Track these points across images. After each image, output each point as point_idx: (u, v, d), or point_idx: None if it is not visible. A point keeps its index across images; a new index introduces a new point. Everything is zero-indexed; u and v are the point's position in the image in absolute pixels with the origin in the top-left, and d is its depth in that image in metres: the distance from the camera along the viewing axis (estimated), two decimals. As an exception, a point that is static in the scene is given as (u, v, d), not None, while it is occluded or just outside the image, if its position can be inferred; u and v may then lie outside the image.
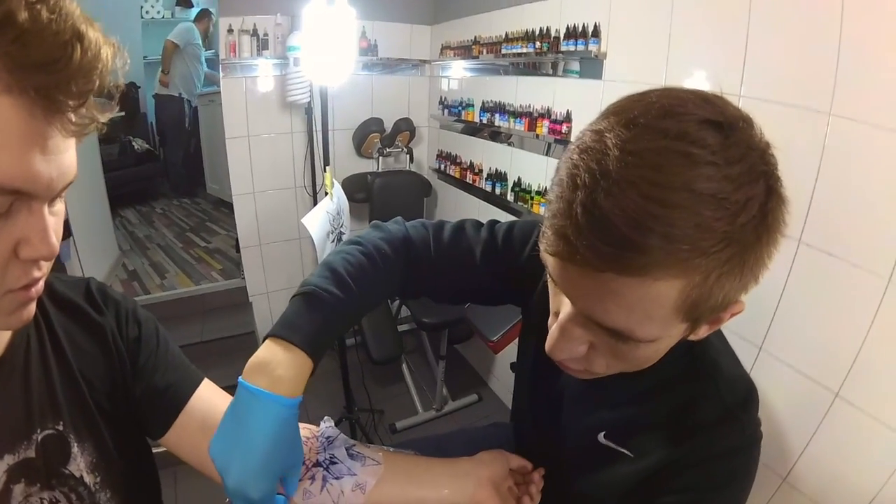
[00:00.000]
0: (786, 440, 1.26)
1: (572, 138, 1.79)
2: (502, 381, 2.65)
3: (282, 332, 0.59)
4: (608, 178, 0.40)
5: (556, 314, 0.53)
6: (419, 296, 0.81)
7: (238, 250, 2.81)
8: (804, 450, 1.23)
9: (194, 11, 4.96)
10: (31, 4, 0.37)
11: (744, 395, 0.61)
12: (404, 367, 2.70)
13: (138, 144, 4.86)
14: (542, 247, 0.48)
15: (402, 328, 2.85)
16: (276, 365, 0.57)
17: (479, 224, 0.80)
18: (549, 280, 0.52)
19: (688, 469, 0.61)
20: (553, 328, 0.53)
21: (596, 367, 0.54)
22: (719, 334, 0.66)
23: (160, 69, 4.70)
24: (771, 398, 1.27)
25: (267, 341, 0.60)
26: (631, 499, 0.68)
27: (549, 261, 0.48)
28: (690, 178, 0.39)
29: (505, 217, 1.44)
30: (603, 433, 0.69)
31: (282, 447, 0.56)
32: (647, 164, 0.39)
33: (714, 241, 0.39)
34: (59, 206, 0.47)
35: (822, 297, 1.16)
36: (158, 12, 5.36)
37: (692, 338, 0.52)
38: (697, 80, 1.39)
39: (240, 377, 0.58)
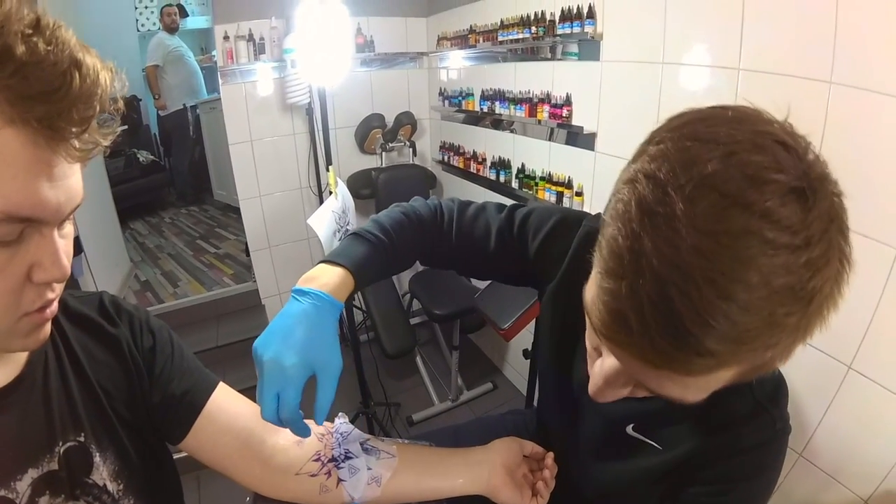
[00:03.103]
0: (800, 415, 1.25)
1: (574, 122, 1.80)
2: (517, 368, 2.66)
3: (330, 258, 0.68)
4: (681, 271, 0.36)
5: (596, 351, 0.52)
6: (444, 266, 0.86)
7: (248, 254, 2.84)
8: (819, 424, 1.23)
9: (189, 21, 4.97)
10: (28, 37, 0.37)
11: (773, 389, 0.61)
12: (418, 359, 2.71)
13: (143, 156, 4.90)
14: (590, 318, 0.44)
15: (414, 321, 2.86)
16: (322, 276, 0.66)
17: (501, 207, 0.82)
18: (589, 324, 0.49)
19: (717, 461, 0.62)
20: (597, 376, 0.51)
21: (638, 395, 0.53)
22: None
23: (153, 97, 4.74)
24: (784, 373, 1.26)
25: (317, 265, 0.68)
26: (657, 489, 0.69)
27: (600, 336, 0.44)
28: (769, 273, 0.35)
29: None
30: (632, 425, 0.69)
31: (317, 334, 0.61)
32: (725, 253, 0.35)
33: (784, 334, 0.38)
34: (68, 228, 0.48)
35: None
36: (154, 24, 5.35)
37: None
38: (696, 55, 1.37)
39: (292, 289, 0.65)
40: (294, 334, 0.60)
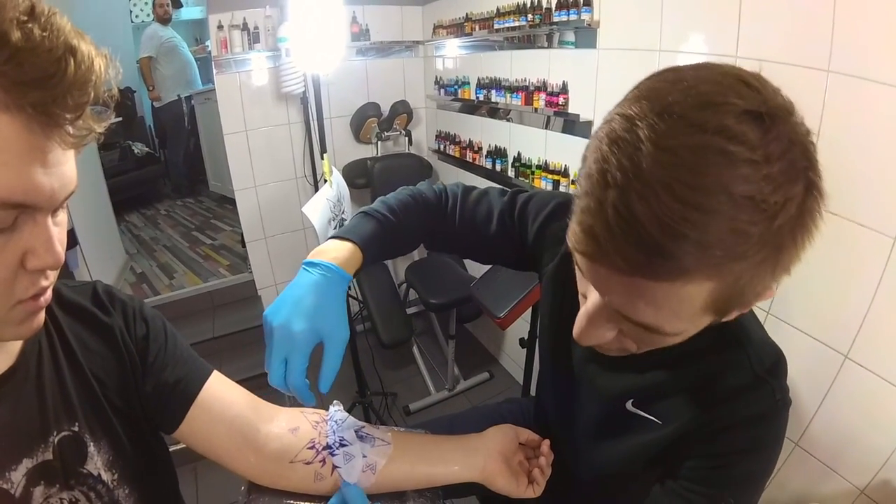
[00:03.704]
0: (797, 404, 1.25)
1: (570, 110, 1.79)
2: (513, 357, 2.67)
3: (340, 234, 0.72)
4: (641, 179, 0.38)
5: (584, 296, 0.53)
6: (447, 249, 0.88)
7: (244, 245, 2.83)
8: (815, 413, 1.24)
9: (183, 11, 4.92)
10: (23, 23, 0.37)
11: (772, 362, 0.61)
12: (415, 348, 2.72)
13: (138, 148, 4.87)
14: (569, 241, 0.47)
15: (410, 311, 2.86)
16: (332, 250, 0.69)
17: (504, 191, 0.84)
18: (576, 267, 0.51)
19: (716, 434, 0.61)
20: (580, 316, 0.53)
21: (627, 346, 0.54)
22: None
23: (147, 88, 4.70)
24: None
25: (328, 240, 0.71)
26: (655, 470, 0.69)
27: (577, 256, 0.48)
28: (728, 180, 0.37)
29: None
30: (631, 401, 0.69)
31: (325, 303, 0.64)
32: (682, 164, 0.38)
33: (749, 245, 0.38)
34: (62, 215, 0.49)
35: (827, 259, 1.15)
36: (148, 15, 5.28)
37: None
38: (694, 44, 1.37)
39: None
40: (303, 302, 0.62)
